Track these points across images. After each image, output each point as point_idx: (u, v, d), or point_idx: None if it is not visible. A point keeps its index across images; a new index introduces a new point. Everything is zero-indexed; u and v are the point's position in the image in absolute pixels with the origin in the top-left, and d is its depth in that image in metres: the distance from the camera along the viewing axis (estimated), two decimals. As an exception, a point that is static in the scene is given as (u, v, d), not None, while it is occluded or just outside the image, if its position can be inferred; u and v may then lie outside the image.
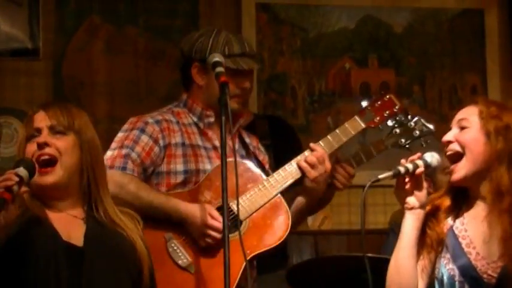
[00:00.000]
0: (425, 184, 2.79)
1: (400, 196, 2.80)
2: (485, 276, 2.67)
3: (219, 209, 3.22)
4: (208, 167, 3.32)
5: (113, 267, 2.65)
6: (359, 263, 3.60)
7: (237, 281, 3.11)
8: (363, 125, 3.46)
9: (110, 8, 4.82)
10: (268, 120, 4.20)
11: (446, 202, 2.82)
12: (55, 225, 2.61)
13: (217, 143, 3.37)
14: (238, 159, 3.14)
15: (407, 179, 2.77)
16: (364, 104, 3.51)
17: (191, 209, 3.20)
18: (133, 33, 4.84)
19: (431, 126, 3.52)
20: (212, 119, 3.38)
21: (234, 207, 3.13)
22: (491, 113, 2.75)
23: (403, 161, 2.78)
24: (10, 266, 2.54)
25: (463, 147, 2.75)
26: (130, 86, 4.76)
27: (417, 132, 3.51)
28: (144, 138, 3.30)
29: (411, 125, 3.51)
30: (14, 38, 4.72)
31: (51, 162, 2.64)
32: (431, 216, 2.81)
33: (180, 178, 3.30)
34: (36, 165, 2.59)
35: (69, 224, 2.65)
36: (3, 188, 2.43)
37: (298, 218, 3.43)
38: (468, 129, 2.76)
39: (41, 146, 2.63)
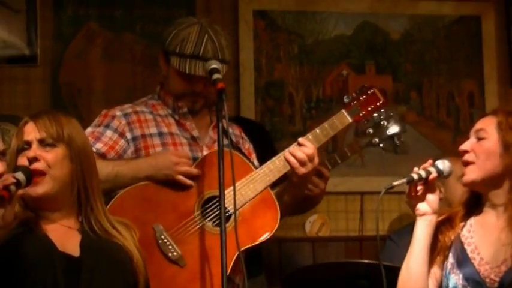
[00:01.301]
0: (437, 190, 2.80)
1: (412, 204, 2.81)
2: (487, 280, 2.69)
3: (208, 202, 3.20)
4: (188, 154, 3.29)
5: (110, 277, 2.64)
6: (356, 269, 3.61)
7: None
8: (350, 120, 3.45)
9: (107, 15, 4.82)
10: (236, 120, 4.18)
11: (462, 210, 2.84)
12: (50, 236, 2.61)
13: (195, 133, 3.37)
14: (226, 150, 3.04)
15: (419, 186, 2.79)
16: (348, 98, 3.50)
17: (152, 158, 3.20)
18: (131, 39, 4.84)
19: (403, 123, 3.53)
20: (185, 109, 3.37)
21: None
22: (510, 124, 2.76)
23: (416, 168, 2.79)
24: (6, 278, 2.52)
25: (478, 157, 2.76)
26: (127, 93, 4.75)
27: (391, 131, 3.50)
28: (108, 133, 3.29)
29: (384, 123, 3.50)
30: (12, 44, 4.71)
31: (41, 173, 2.64)
32: (446, 223, 2.82)
33: None
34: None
35: (64, 235, 2.65)
36: (1, 186, 2.43)
37: (283, 213, 3.34)
38: (485, 140, 2.77)
39: (31, 160, 2.64)
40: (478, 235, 2.76)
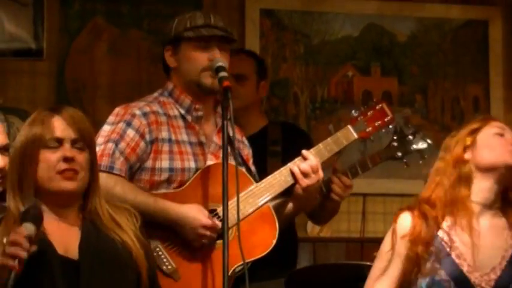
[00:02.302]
0: None
1: None
2: (479, 288, 2.66)
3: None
4: (192, 165, 3.22)
5: (110, 278, 2.61)
6: (357, 271, 3.61)
7: None
8: (356, 136, 3.39)
9: (114, 11, 4.83)
10: (282, 126, 4.12)
11: (441, 209, 2.78)
12: (52, 238, 2.57)
13: (203, 139, 3.27)
14: (231, 164, 3.01)
15: None
16: (356, 112, 3.44)
17: (182, 211, 3.08)
18: (137, 36, 4.84)
19: (429, 141, 3.48)
20: (201, 113, 3.27)
21: (221, 213, 3.03)
22: None
23: None
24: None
25: None
26: (132, 89, 4.75)
27: (415, 146, 3.47)
28: (130, 132, 3.17)
29: (410, 138, 3.48)
30: (18, 38, 4.72)
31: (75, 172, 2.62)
32: (423, 217, 2.76)
33: (164, 176, 3.18)
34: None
35: (66, 235, 2.62)
36: (14, 255, 2.37)
37: (283, 225, 3.30)
38: None
39: (69, 160, 2.58)
40: (460, 240, 2.70)
